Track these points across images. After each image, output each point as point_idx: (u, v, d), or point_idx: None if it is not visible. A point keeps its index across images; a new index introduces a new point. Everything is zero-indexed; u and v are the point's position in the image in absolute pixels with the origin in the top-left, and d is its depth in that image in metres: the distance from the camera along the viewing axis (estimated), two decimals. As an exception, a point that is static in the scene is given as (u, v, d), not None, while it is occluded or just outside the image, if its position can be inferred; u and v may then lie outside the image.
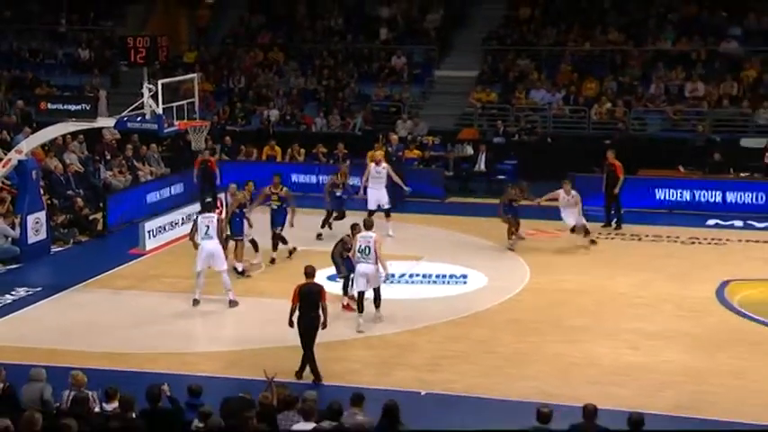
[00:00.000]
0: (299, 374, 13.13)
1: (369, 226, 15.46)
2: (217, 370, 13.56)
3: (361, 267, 15.10)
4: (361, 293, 15.12)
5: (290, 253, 18.61)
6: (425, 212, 22.60)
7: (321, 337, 13.50)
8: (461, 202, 24.22)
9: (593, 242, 19.66)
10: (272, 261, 18.40)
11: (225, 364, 13.87)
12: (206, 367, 13.63)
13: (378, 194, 20.28)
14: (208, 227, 16.16)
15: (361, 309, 15.13)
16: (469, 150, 26.07)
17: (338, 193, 20.09)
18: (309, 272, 13.32)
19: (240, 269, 17.66)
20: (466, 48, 30.59)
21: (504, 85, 28.92)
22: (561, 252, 19.46)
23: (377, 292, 15.29)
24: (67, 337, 14.92)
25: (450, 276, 17.95)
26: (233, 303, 16.17)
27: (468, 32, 31.04)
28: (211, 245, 16.11)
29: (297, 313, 13.08)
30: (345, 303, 15.89)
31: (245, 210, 17.82)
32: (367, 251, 15.03)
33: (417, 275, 17.86)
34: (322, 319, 13.05)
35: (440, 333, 15.13)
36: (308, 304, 12.99)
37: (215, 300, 16.35)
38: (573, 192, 19.40)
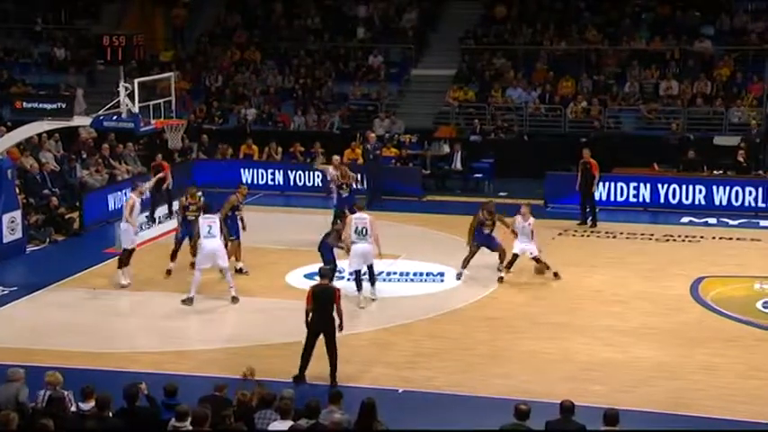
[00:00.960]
0: (333, 381, 12.85)
1: (360, 207, 16.21)
2: (193, 369, 13.50)
3: (359, 247, 15.71)
4: (358, 272, 15.80)
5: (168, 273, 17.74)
6: (403, 211, 22.61)
7: (298, 335, 13.48)
8: (438, 200, 24.25)
9: (556, 275, 17.55)
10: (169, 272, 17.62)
11: (201, 362, 13.82)
12: (183, 366, 13.57)
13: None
14: (210, 227, 16.15)
15: (359, 286, 15.70)
16: (446, 149, 26.11)
17: (344, 195, 19.39)
18: (324, 273, 13.23)
19: (239, 267, 17.62)
20: (443, 47, 30.62)
21: (481, 83, 28.97)
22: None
23: (371, 268, 15.86)
24: (43, 336, 14.81)
25: (428, 274, 17.97)
26: (235, 300, 16.17)
27: (444, 31, 31.07)
28: (214, 243, 16.08)
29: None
30: None
31: (237, 212, 17.62)
32: (364, 232, 15.69)
33: (395, 273, 17.87)
34: (338, 321, 12.87)
35: (417, 331, 15.15)
36: (322, 306, 12.80)
37: (197, 299, 16.27)
38: (531, 219, 17.45)
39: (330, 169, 19.73)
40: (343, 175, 19.48)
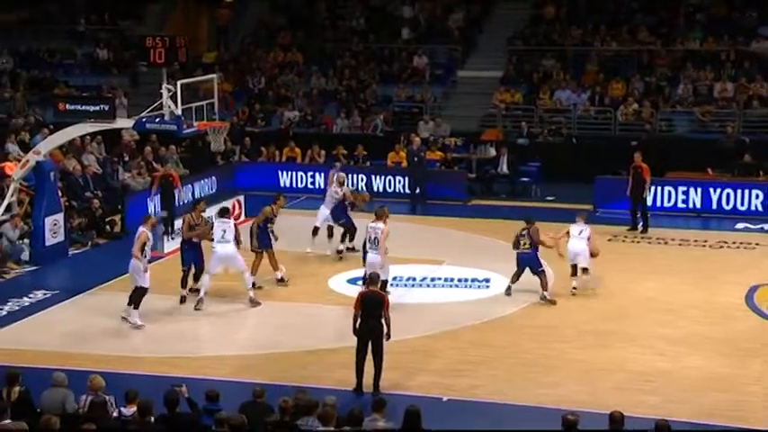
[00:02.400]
0: (377, 389, 12.82)
1: (379, 215, 15.75)
2: (232, 374, 13.58)
3: (369, 257, 15.42)
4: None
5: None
6: (448, 215, 22.55)
7: (341, 340, 13.49)
8: (484, 204, 24.16)
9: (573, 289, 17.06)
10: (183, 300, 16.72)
11: (239, 368, 13.89)
12: (222, 372, 13.65)
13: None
14: (224, 231, 16.17)
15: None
16: (492, 152, 26.00)
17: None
18: (373, 278, 13.23)
19: (279, 276, 17.47)
20: (490, 47, 30.54)
21: (529, 85, 28.84)
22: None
23: (383, 284, 15.13)
24: (84, 340, 14.99)
25: (473, 280, 17.89)
26: (254, 303, 16.21)
27: (492, 32, 30.99)
28: (227, 248, 16.11)
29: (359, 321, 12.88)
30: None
31: (269, 224, 17.46)
32: (376, 242, 15.34)
33: (439, 279, 17.82)
34: (385, 329, 12.83)
35: (462, 338, 15.10)
36: (369, 313, 12.79)
37: (230, 303, 16.38)
38: (585, 227, 17.18)
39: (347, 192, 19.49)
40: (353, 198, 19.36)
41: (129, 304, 15.57)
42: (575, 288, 17.02)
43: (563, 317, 16.05)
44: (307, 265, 18.50)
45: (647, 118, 26.86)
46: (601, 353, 14.48)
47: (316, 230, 19.25)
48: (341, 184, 19.31)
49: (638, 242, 20.64)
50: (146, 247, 15.60)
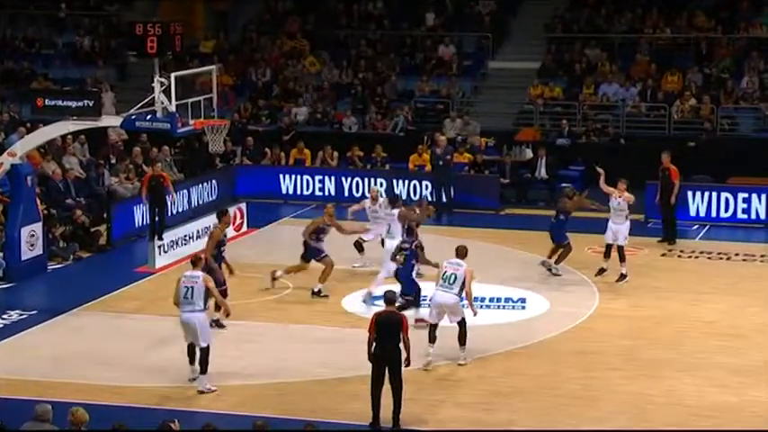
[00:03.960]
0: (396, 423, 12.82)
1: (461, 254, 15.14)
2: (231, 406, 13.59)
3: (439, 296, 14.95)
4: (433, 326, 14.96)
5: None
6: (478, 226, 22.56)
7: (355, 368, 13.48)
8: (519, 213, 24.15)
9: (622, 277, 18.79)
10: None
11: (242, 399, 13.92)
12: (221, 404, 13.68)
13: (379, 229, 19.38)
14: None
15: (431, 339, 14.90)
16: (529, 154, 26.01)
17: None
18: (390, 298, 13.26)
19: (317, 289, 17.78)
20: (525, 35, 30.57)
21: (570, 78, 28.84)
22: (637, 273, 19.29)
23: (461, 326, 15.02)
24: (65, 367, 15.05)
25: (507, 300, 17.88)
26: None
27: (527, 18, 31.03)
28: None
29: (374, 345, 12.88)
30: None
31: (323, 234, 17.93)
32: (452, 279, 14.88)
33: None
34: (404, 354, 12.85)
35: (494, 366, 15.08)
36: (387, 335, 12.80)
37: (233, 326, 16.42)
38: (625, 194, 18.92)
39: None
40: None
41: (201, 370, 14.09)
42: (603, 270, 18.10)
43: (609, 342, 16.01)
44: (316, 282, 18.51)
45: (706, 115, 26.80)
46: (653, 383, 14.41)
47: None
48: (375, 199, 19.59)
49: (697, 257, 20.60)
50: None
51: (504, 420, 13.26)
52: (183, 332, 14.24)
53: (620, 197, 18.79)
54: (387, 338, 12.79)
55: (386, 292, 13.42)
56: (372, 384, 12.88)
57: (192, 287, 14.01)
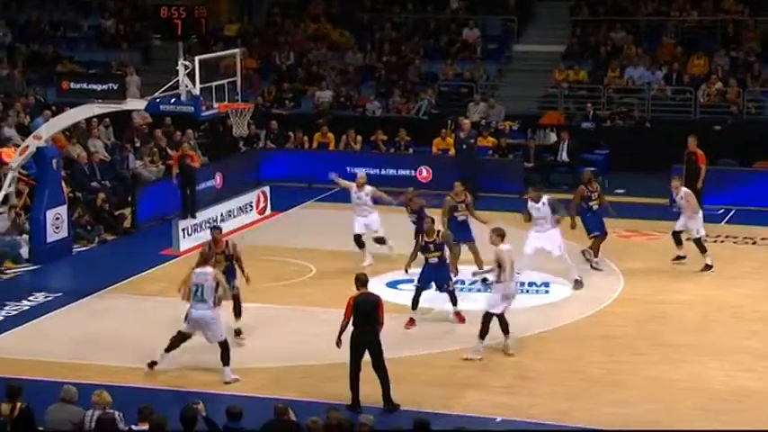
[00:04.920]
0: (389, 403, 12.93)
1: (500, 235, 14.98)
2: (255, 389, 13.65)
3: (511, 287, 14.90)
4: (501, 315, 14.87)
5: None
6: (501, 209, 22.42)
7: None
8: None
9: (708, 267, 18.53)
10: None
11: (266, 382, 13.96)
12: (244, 387, 13.73)
13: (365, 220, 19.04)
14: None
15: (485, 331, 14.71)
16: (553, 137, 25.91)
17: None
18: (363, 280, 13.32)
19: (483, 277, 17.30)
20: (550, 18, 30.41)
21: (595, 61, 28.68)
22: (661, 257, 19.22)
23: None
24: (90, 349, 15.14)
25: (530, 285, 17.84)
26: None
27: (552, 0, 30.85)
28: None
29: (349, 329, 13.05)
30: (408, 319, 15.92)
31: (456, 213, 17.61)
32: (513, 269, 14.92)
33: (491, 284, 17.75)
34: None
35: (518, 350, 15.04)
36: (365, 318, 12.94)
37: (256, 309, 16.47)
38: (682, 190, 18.75)
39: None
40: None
41: (224, 363, 14.00)
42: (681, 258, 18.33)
43: (634, 326, 15.97)
44: (340, 265, 18.53)
45: (732, 99, 26.59)
46: (677, 368, 14.38)
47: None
48: (361, 186, 19.00)
49: (723, 242, 20.47)
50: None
51: (527, 404, 13.25)
52: (188, 325, 14.06)
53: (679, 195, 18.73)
54: (365, 320, 12.89)
55: (357, 275, 13.40)
56: (351, 367, 12.98)
57: (203, 285, 13.87)
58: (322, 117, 27.37)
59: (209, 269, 14.08)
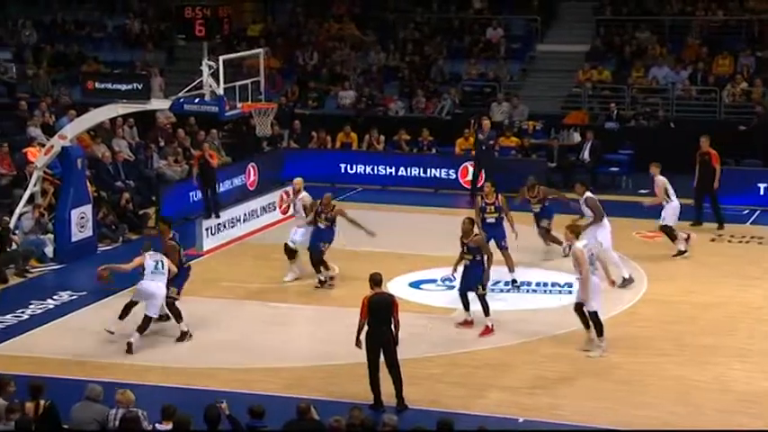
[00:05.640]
0: (400, 402, 12.99)
1: (575, 232, 14.96)
2: (279, 388, 13.69)
3: (594, 281, 14.70)
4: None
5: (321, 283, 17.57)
6: (524, 210, 22.41)
7: (402, 354, 13.48)
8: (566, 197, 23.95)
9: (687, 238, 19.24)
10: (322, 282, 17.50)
11: (290, 381, 14.00)
12: (269, 385, 13.78)
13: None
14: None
15: (601, 330, 14.71)
16: (577, 137, 25.86)
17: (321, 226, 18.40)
18: (377, 280, 13.32)
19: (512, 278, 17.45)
20: (574, 18, 30.34)
21: (619, 61, 28.60)
22: (685, 257, 19.15)
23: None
24: (114, 348, 15.21)
25: (553, 285, 17.81)
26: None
27: (576, 0, 30.75)
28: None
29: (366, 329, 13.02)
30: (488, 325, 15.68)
31: (485, 214, 17.53)
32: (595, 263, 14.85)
33: (514, 283, 17.76)
34: (394, 333, 13.01)
35: (540, 351, 15.04)
36: (380, 318, 12.96)
37: (281, 309, 16.51)
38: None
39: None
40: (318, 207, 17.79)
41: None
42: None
43: (658, 327, 15.91)
44: (363, 264, 18.50)
45: (757, 99, 26.45)
46: (702, 369, 14.33)
47: None
48: (297, 192, 18.34)
49: (747, 242, 20.39)
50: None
51: (548, 405, 13.24)
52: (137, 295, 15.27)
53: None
54: (381, 320, 12.91)
55: (372, 275, 13.41)
56: (370, 368, 12.99)
57: (162, 260, 15.23)
58: (360, 116, 27.43)
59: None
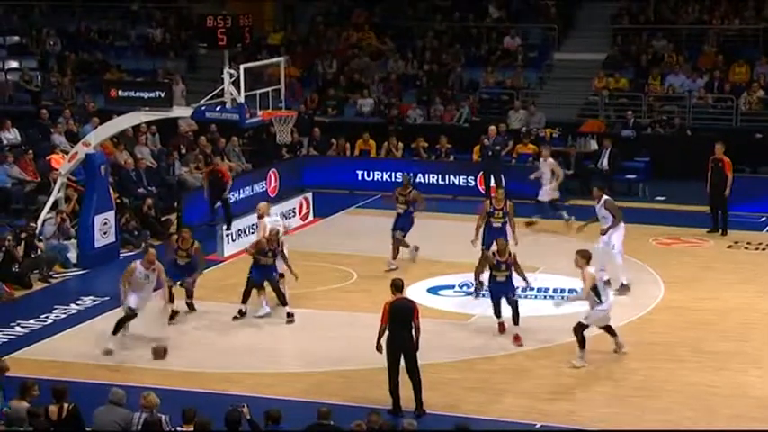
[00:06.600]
0: (419, 407, 13.02)
1: (585, 257, 14.86)
2: (298, 393, 13.72)
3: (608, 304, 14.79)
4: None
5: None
6: (541, 217, 22.42)
7: (421, 359, 13.50)
8: (582, 204, 23.88)
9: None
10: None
11: (308, 386, 14.02)
12: (287, 390, 13.80)
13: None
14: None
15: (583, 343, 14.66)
16: (593, 145, 25.79)
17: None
18: (399, 285, 13.35)
19: (525, 285, 16.71)
20: (591, 27, 30.27)
21: (636, 69, 28.53)
22: (702, 264, 19.09)
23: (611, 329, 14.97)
24: (137, 352, 15.28)
25: (570, 291, 17.75)
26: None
27: (593, 9, 30.73)
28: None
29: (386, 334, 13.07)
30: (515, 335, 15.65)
31: (492, 219, 17.64)
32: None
33: (532, 289, 17.71)
34: (414, 338, 13.04)
35: (558, 356, 15.02)
36: (400, 323, 12.99)
37: (299, 314, 16.53)
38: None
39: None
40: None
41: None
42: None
43: (674, 334, 15.87)
44: (381, 271, 18.56)
45: (774, 107, 26.36)
46: (718, 375, 14.29)
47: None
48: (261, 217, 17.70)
49: (764, 249, 20.30)
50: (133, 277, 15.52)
51: (565, 410, 13.21)
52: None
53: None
54: (402, 326, 12.93)
55: (393, 281, 13.43)
56: (390, 373, 13.01)
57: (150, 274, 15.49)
58: (392, 124, 27.45)
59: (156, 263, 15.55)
